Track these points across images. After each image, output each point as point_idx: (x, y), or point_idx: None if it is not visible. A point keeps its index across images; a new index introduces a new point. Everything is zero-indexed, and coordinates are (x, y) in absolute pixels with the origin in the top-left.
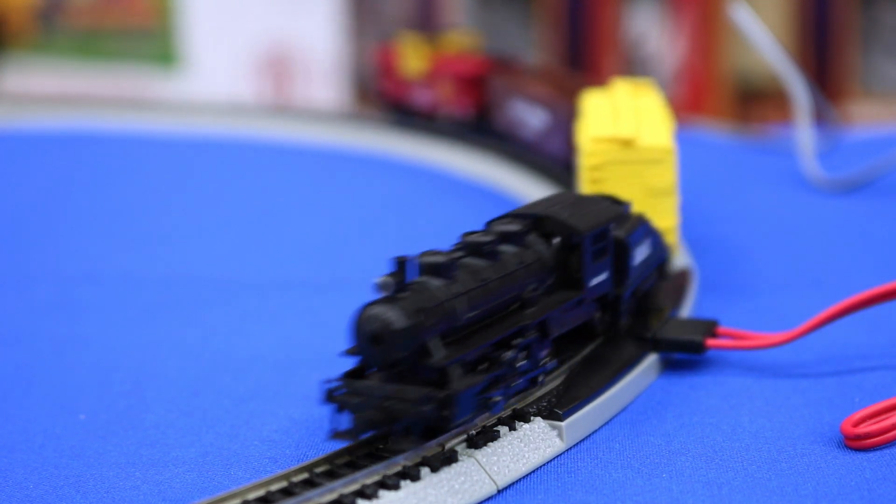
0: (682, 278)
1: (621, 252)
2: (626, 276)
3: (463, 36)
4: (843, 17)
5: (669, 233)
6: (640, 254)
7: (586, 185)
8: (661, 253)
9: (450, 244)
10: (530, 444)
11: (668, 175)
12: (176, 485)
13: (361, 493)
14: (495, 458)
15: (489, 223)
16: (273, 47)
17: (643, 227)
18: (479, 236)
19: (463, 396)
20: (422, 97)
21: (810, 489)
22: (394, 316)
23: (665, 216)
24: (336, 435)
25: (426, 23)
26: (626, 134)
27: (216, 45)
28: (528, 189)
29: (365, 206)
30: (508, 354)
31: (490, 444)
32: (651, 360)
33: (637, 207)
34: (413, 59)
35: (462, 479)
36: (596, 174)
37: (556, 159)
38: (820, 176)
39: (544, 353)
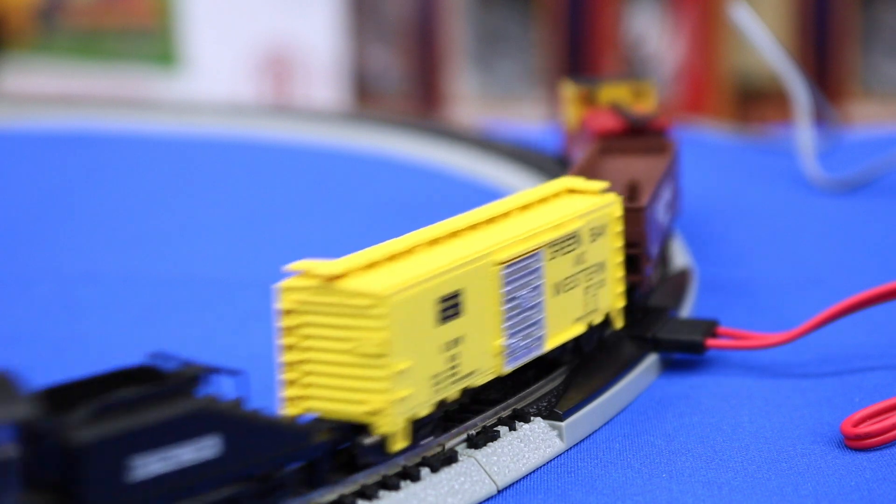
0: (682, 278)
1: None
2: None
3: (623, 85)
4: (843, 17)
5: (383, 415)
6: (157, 464)
7: (283, 335)
8: (287, 447)
9: None
10: (530, 444)
11: (378, 334)
12: None
13: (361, 494)
14: (495, 458)
15: None
16: (273, 47)
17: (185, 420)
18: None
19: None
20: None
21: (810, 489)
22: None
23: (375, 391)
24: None
25: (425, 24)
26: (332, 268)
27: (216, 45)
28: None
29: (365, 206)
30: None
31: (490, 444)
32: (651, 360)
33: (341, 374)
34: (572, 110)
35: (462, 479)
36: (293, 320)
37: None
38: (820, 176)
39: None
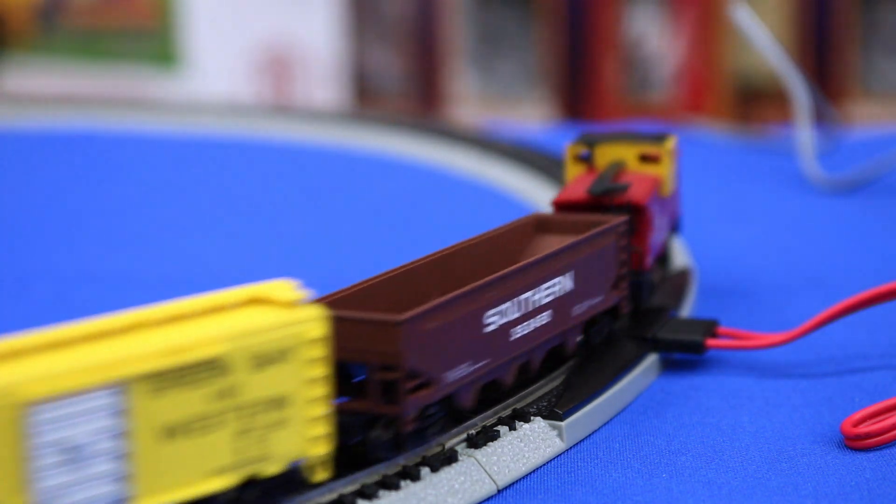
0: (682, 278)
1: None
2: None
3: (632, 143)
4: (843, 17)
5: None
6: None
7: None
8: None
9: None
10: (530, 444)
11: None
12: None
13: (361, 493)
14: (495, 458)
15: None
16: (273, 47)
17: None
18: None
19: None
20: None
21: (810, 489)
22: None
23: None
24: None
25: (425, 24)
26: None
27: (216, 45)
28: (529, 189)
29: (365, 206)
30: None
31: (490, 443)
32: (651, 360)
33: None
34: (569, 171)
35: (462, 479)
36: None
37: None
38: (820, 176)
39: None
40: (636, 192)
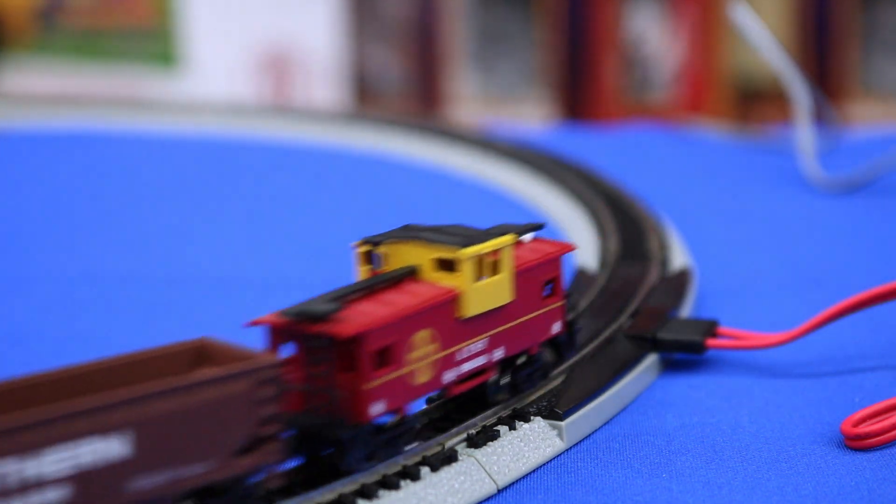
0: (682, 278)
1: None
2: None
3: (425, 244)
4: (843, 17)
5: None
6: None
7: None
8: None
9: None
10: (530, 443)
11: None
12: None
13: (361, 493)
14: (495, 457)
15: None
16: (273, 47)
17: None
18: None
19: None
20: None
21: (810, 489)
22: None
23: None
24: None
25: (425, 24)
26: None
27: (216, 45)
28: (529, 189)
29: (365, 206)
30: None
31: (490, 443)
32: (651, 360)
33: None
34: (360, 274)
35: (462, 478)
36: None
37: None
38: (820, 176)
39: None
40: (350, 320)
